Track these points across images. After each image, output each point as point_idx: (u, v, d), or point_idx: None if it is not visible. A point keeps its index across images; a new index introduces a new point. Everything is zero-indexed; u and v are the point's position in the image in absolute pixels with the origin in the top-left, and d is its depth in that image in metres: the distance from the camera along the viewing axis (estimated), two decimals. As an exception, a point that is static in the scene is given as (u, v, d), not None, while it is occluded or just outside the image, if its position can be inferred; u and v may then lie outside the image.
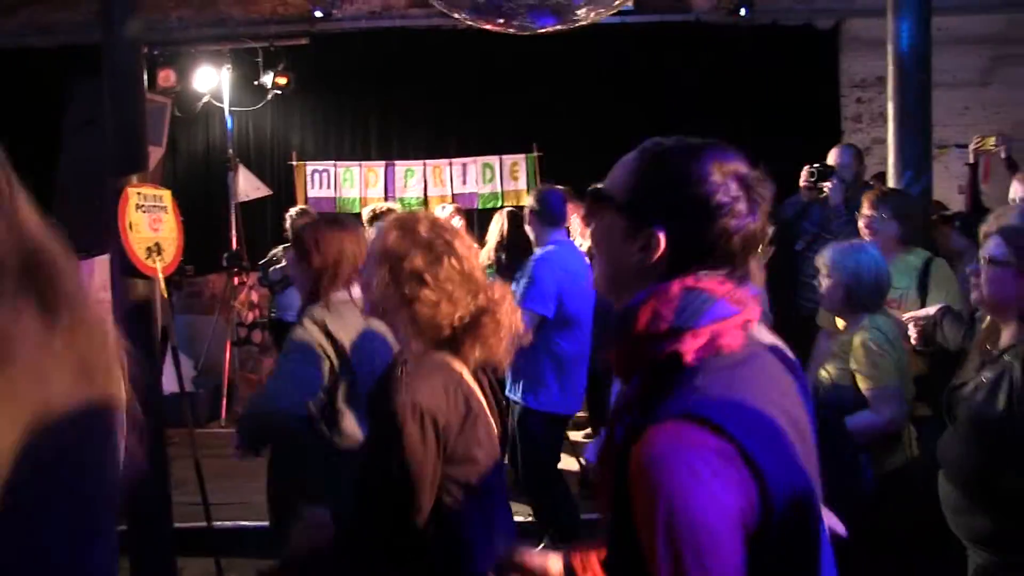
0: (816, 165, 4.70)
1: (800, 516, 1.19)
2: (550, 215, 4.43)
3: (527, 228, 4.57)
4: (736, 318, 1.26)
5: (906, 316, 3.43)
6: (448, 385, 1.95)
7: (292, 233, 2.78)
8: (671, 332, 1.24)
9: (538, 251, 4.41)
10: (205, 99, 8.04)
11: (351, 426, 2.69)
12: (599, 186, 1.37)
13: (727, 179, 1.26)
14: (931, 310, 3.35)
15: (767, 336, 1.37)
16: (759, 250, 1.32)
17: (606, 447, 1.34)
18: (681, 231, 1.27)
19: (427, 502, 1.91)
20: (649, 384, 1.26)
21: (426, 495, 1.90)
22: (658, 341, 1.25)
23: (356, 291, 2.72)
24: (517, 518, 4.72)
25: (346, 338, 2.68)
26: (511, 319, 2.06)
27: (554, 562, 1.65)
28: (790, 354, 1.41)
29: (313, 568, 2.11)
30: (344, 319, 2.70)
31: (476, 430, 1.98)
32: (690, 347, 1.23)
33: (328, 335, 2.65)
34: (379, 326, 2.77)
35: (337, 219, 2.94)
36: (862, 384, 3.08)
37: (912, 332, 3.34)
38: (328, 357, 2.65)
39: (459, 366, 2.01)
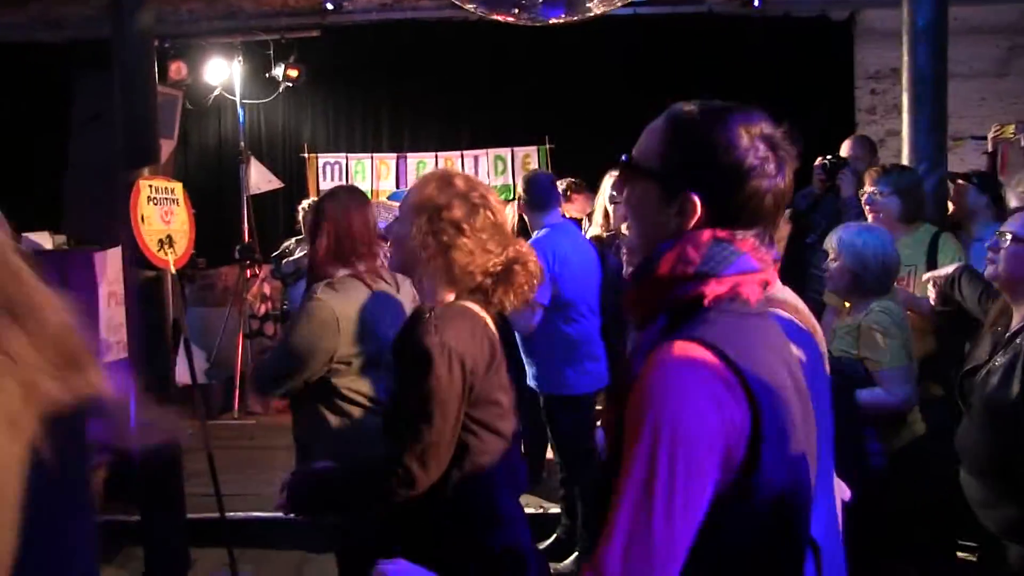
0: (829, 157, 4.67)
1: (792, 461, 1.24)
2: (537, 199, 4.44)
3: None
4: (758, 274, 1.31)
5: (925, 276, 3.42)
6: (475, 330, 2.03)
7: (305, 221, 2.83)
8: (696, 276, 1.29)
9: (534, 236, 4.42)
10: (216, 92, 8.06)
11: (360, 389, 2.72)
12: (631, 155, 1.40)
13: (755, 141, 1.29)
14: (949, 269, 3.32)
15: (788, 295, 1.40)
16: (784, 207, 1.36)
17: (617, 384, 1.39)
18: (715, 194, 1.30)
19: (450, 440, 1.97)
20: (670, 323, 1.31)
21: (449, 432, 1.97)
22: (683, 283, 1.30)
23: (362, 265, 2.76)
24: (528, 510, 4.76)
25: (352, 312, 2.69)
26: (538, 268, 2.15)
27: None
28: (806, 323, 1.43)
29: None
30: (348, 294, 2.71)
31: (500, 375, 2.07)
32: (712, 291, 1.28)
33: (334, 316, 2.67)
34: (391, 291, 2.79)
35: (343, 191, 2.94)
36: (872, 366, 3.08)
37: (931, 292, 3.32)
38: (333, 338, 2.67)
39: (483, 314, 2.08)
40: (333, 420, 2.72)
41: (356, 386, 2.73)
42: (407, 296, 2.82)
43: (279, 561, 4.59)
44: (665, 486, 1.15)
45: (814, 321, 1.65)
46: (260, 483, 4.94)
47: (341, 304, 2.68)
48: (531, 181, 4.51)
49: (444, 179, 2.13)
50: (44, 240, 5.82)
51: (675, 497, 1.15)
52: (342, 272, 2.77)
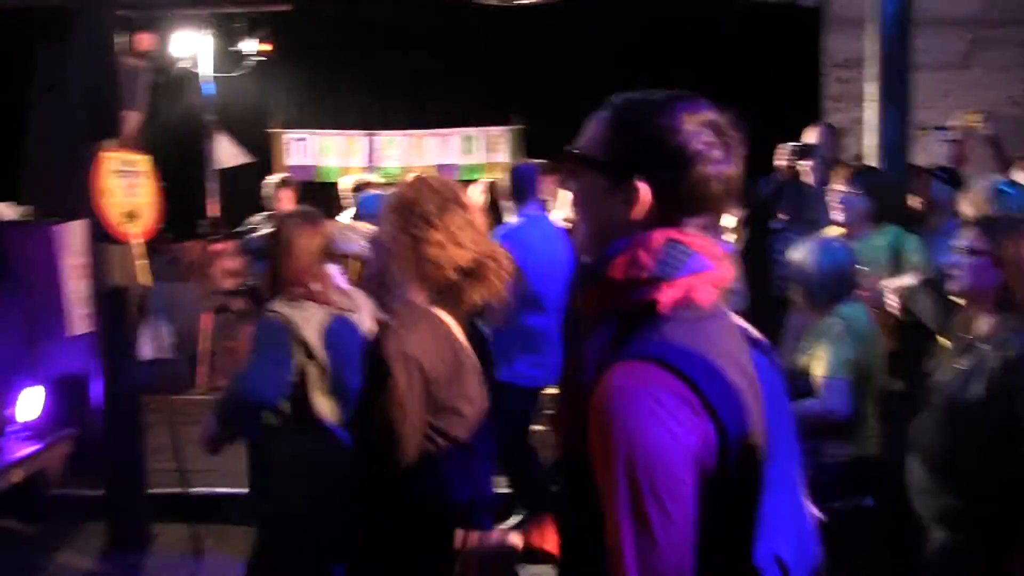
0: (794, 144, 4.71)
1: (752, 472, 1.24)
2: (516, 190, 4.48)
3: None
4: (711, 273, 1.31)
5: (884, 283, 3.47)
6: (437, 336, 2.03)
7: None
8: (650, 281, 1.28)
9: (506, 223, 4.44)
10: (184, 64, 7.94)
11: (323, 408, 2.76)
12: (575, 147, 1.39)
13: (700, 127, 1.29)
14: (907, 280, 3.38)
15: (732, 318, 1.40)
16: (736, 195, 1.35)
17: (570, 389, 1.38)
18: (661, 182, 1.30)
19: (411, 447, 1.97)
20: (622, 329, 1.29)
21: (410, 440, 1.96)
22: (635, 288, 1.29)
23: (315, 286, 2.81)
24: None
25: (310, 329, 2.75)
26: (511, 266, 2.16)
27: (512, 537, 1.73)
28: (754, 333, 1.43)
29: None
30: (305, 312, 2.77)
31: (464, 384, 2.05)
32: (666, 297, 1.27)
33: (292, 328, 2.72)
34: (348, 313, 2.84)
35: (299, 214, 3.03)
36: (816, 369, 3.13)
37: (893, 301, 3.38)
38: (294, 347, 2.72)
39: (449, 320, 2.08)
40: (294, 439, 2.76)
41: (315, 402, 2.76)
42: (364, 317, 2.86)
43: (242, 536, 4.59)
44: (657, 512, 1.17)
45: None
46: (223, 459, 4.92)
47: (296, 315, 2.75)
48: (512, 172, 4.55)
49: (418, 179, 2.19)
50: (7, 211, 5.73)
51: (671, 517, 1.17)
52: (296, 291, 2.83)
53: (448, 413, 2.02)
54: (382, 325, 2.06)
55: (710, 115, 1.31)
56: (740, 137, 1.33)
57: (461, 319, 2.11)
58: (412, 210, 2.08)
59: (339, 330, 2.80)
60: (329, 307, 2.82)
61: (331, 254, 2.95)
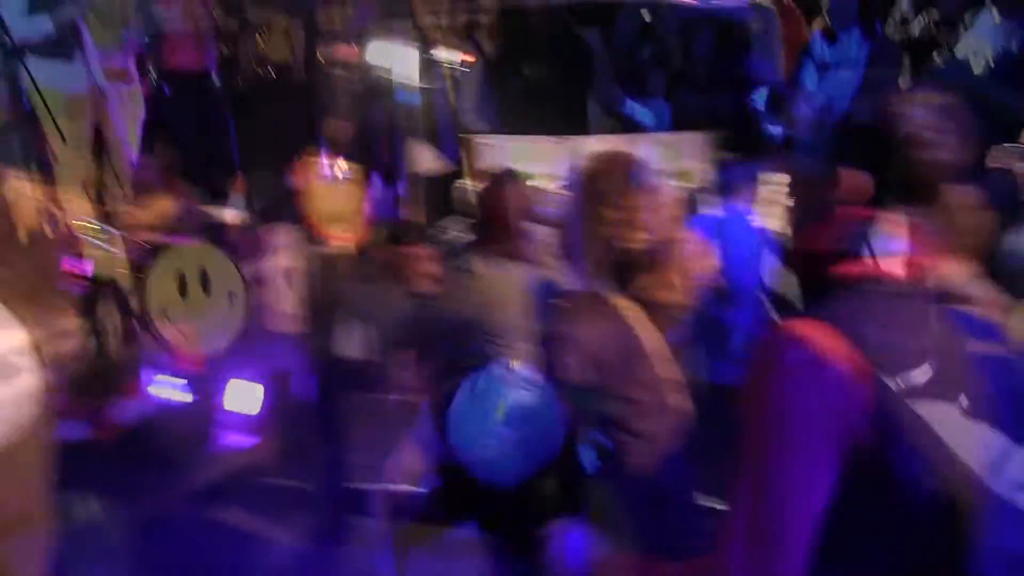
0: (1014, 145, 4.39)
1: (933, 460, 1.14)
2: (719, 187, 4.44)
3: None
4: (906, 255, 1.26)
5: None
6: (607, 320, 1.98)
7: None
8: (837, 255, 1.27)
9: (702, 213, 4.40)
10: (383, 73, 8.23)
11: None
12: (784, 128, 1.38)
13: (914, 110, 1.25)
14: None
15: (964, 286, 1.32)
16: (951, 183, 1.27)
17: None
18: (869, 164, 1.28)
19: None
20: (808, 303, 1.32)
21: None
22: (822, 262, 1.28)
23: (516, 244, 2.79)
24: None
25: (502, 289, 2.75)
26: (693, 262, 2.08)
27: None
28: (981, 317, 1.33)
29: None
30: (501, 270, 2.77)
31: (639, 370, 1.97)
32: (850, 272, 1.25)
33: (476, 286, 2.74)
34: (539, 273, 2.81)
35: (499, 174, 3.06)
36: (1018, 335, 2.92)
37: None
38: (472, 306, 2.74)
39: (626, 304, 1.97)
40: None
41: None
42: (564, 278, 2.83)
43: (433, 535, 4.68)
44: (776, 472, 1.14)
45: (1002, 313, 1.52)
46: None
47: (486, 271, 2.76)
48: (719, 168, 4.51)
49: (609, 153, 2.14)
50: (231, 215, 6.15)
51: (790, 482, 1.13)
52: (493, 248, 2.85)
53: (621, 401, 1.96)
54: (555, 304, 2.03)
55: (927, 98, 1.26)
56: (959, 123, 1.26)
57: (646, 303, 2.02)
58: (592, 186, 2.04)
59: (539, 290, 2.79)
60: (530, 266, 2.81)
61: (532, 214, 2.95)
